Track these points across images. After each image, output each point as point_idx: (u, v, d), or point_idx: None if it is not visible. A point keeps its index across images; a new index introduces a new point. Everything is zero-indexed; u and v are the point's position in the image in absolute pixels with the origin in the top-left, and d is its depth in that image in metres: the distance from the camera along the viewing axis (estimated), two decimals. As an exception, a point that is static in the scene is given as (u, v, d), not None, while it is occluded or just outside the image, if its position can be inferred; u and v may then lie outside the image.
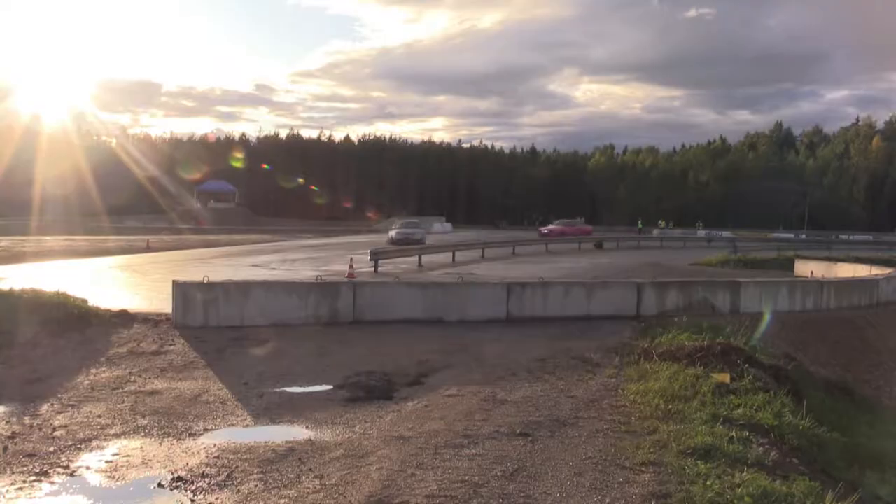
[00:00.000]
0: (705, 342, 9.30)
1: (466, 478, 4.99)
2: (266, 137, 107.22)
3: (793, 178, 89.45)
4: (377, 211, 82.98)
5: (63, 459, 5.47)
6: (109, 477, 5.17)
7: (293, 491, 4.85)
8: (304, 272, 20.21)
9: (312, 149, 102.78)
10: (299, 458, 5.50)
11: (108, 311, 11.22)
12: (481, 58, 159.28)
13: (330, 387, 7.92)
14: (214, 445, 5.84)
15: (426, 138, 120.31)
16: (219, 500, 4.73)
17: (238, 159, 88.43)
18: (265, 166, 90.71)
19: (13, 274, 17.74)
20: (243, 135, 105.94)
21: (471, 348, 9.83)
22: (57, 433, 6.09)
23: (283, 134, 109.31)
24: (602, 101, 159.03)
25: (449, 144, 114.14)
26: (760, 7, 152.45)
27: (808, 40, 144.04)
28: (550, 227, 45.31)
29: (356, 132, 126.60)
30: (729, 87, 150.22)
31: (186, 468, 5.30)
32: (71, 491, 4.95)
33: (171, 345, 9.70)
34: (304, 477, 5.11)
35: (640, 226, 63.53)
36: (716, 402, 7.07)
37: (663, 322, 12.12)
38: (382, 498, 4.67)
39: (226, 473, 5.19)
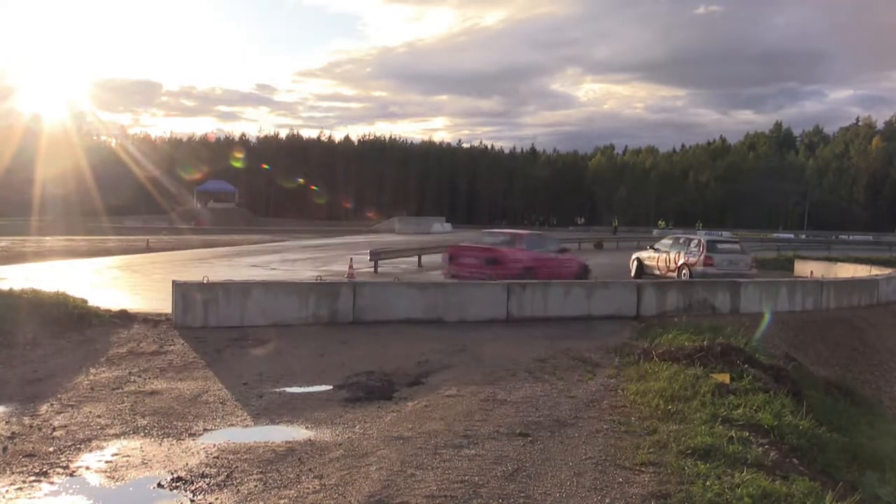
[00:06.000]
0: (705, 342, 9.30)
1: (466, 478, 4.98)
2: (266, 137, 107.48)
3: (793, 178, 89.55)
4: (377, 211, 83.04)
5: (63, 459, 5.46)
6: (109, 477, 5.17)
7: (293, 491, 4.84)
8: (304, 272, 20.23)
9: (312, 149, 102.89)
10: (299, 459, 5.50)
11: (108, 311, 11.22)
12: (483, 57, 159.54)
13: (330, 387, 7.92)
14: (214, 445, 5.84)
15: (427, 138, 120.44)
16: (218, 501, 4.73)
17: (238, 159, 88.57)
18: (265, 166, 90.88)
19: (13, 274, 17.76)
20: (243, 135, 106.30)
21: (471, 348, 9.83)
22: (57, 433, 6.09)
23: (284, 134, 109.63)
24: (604, 100, 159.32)
25: (449, 144, 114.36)
26: (768, 4, 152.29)
27: (813, 39, 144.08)
28: None
29: (357, 132, 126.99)
30: (733, 87, 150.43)
31: (186, 468, 5.30)
32: (71, 491, 4.94)
33: (170, 345, 9.70)
34: (303, 477, 5.10)
35: (615, 225, 63.70)
36: (716, 402, 7.07)
37: (663, 322, 12.14)
38: (382, 498, 4.66)
39: (225, 473, 5.19)
